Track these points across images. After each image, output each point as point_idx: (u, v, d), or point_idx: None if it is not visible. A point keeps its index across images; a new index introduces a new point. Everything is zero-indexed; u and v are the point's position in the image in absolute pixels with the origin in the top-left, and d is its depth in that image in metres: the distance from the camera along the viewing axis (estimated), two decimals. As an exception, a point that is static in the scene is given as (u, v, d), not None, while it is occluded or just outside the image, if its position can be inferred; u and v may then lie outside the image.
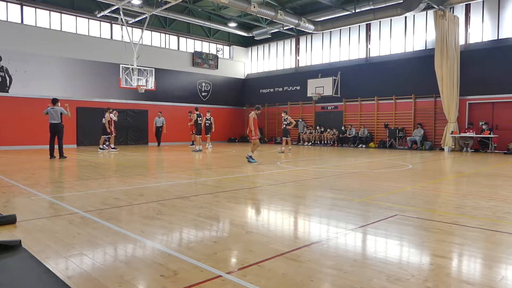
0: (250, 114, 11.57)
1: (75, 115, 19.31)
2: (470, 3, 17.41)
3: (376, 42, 21.27)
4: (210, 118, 17.58)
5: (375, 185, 7.06)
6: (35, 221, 4.24)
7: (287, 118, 16.04)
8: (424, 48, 19.28)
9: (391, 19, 19.61)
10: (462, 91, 17.55)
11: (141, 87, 17.74)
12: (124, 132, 21.69)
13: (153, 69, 18.69)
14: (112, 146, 17.08)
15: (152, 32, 23.10)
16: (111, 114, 16.84)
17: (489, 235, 3.80)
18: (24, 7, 18.56)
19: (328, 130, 22.44)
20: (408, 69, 19.50)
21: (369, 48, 21.51)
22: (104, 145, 17.09)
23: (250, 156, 11.37)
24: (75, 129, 19.32)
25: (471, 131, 16.76)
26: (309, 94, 21.81)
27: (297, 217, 4.70)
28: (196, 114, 16.77)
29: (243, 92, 28.00)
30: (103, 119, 16.85)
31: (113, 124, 16.97)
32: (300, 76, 23.94)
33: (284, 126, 16.18)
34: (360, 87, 21.21)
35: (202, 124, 17.03)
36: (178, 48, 24.53)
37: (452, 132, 17.24)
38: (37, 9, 19.00)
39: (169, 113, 23.14)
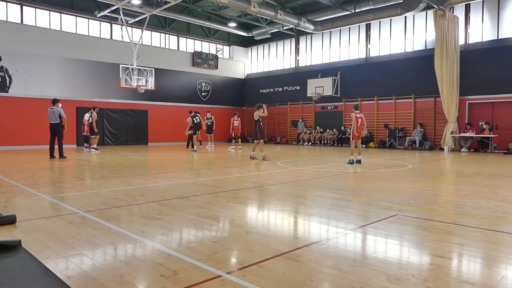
0: (355, 114, 10.73)
1: (75, 115, 19.32)
2: (470, 3, 17.40)
3: (376, 42, 21.27)
4: (211, 117, 17.90)
5: (375, 185, 7.06)
6: (35, 221, 4.24)
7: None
8: (424, 48, 19.27)
9: (391, 19, 19.60)
10: (462, 91, 17.55)
11: (141, 87, 17.73)
12: (124, 132, 21.70)
13: (153, 69, 18.67)
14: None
15: (152, 32, 23.08)
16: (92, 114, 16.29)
17: (489, 235, 3.80)
18: (24, 7, 18.54)
19: (328, 130, 22.44)
20: (408, 69, 19.49)
21: (369, 48, 21.50)
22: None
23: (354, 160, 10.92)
24: (75, 129, 19.29)
25: (470, 131, 16.76)
26: (309, 94, 21.79)
27: (297, 217, 4.70)
28: (191, 115, 16.97)
29: (243, 92, 27.99)
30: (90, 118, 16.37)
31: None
32: (300, 76, 23.92)
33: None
34: (360, 87, 21.20)
35: (203, 124, 17.34)
36: (178, 48, 24.52)
37: (452, 132, 17.24)
38: (37, 9, 18.98)
39: (169, 113, 23.18)
